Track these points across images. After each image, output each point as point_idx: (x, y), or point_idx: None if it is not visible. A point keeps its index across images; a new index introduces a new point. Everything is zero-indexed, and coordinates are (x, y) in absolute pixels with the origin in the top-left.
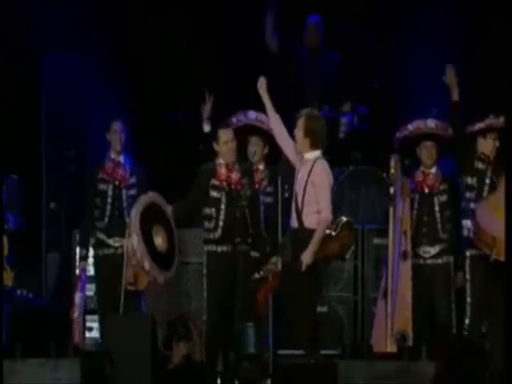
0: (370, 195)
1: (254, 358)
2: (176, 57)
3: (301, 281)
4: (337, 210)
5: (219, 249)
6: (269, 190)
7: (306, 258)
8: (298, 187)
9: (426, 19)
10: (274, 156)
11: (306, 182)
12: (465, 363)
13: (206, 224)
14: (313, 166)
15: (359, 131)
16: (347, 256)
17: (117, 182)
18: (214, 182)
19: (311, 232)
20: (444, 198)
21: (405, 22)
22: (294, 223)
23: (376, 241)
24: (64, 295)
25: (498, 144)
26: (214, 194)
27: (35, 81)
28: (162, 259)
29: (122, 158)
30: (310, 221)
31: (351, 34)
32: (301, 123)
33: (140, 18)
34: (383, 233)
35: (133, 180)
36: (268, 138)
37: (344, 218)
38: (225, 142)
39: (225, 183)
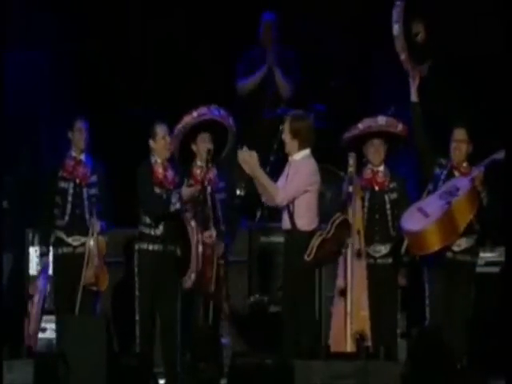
0: (328, 194)
1: (210, 359)
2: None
3: (302, 283)
4: None
5: (155, 247)
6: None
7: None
8: (288, 184)
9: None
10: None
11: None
12: (426, 362)
13: (146, 221)
14: (299, 167)
15: (317, 129)
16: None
17: (78, 181)
18: (155, 181)
19: (305, 234)
20: (394, 195)
21: (366, 19)
22: (287, 225)
23: None
24: (16, 296)
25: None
26: (157, 191)
27: None
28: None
29: (83, 157)
30: (302, 222)
31: (311, 30)
32: (287, 126)
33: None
34: None
35: (94, 178)
36: (222, 134)
37: (339, 216)
38: (162, 137)
39: (164, 182)
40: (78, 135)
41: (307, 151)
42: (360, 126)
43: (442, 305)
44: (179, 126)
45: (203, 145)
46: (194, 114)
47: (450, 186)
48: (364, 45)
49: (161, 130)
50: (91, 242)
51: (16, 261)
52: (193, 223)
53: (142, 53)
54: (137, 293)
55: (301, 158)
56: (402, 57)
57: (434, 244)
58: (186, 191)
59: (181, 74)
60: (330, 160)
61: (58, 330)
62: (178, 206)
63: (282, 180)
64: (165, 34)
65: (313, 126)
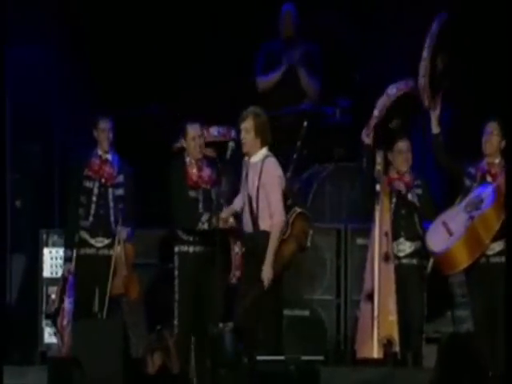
0: (354, 193)
1: (231, 365)
2: (145, 47)
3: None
4: (318, 209)
5: (191, 249)
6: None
7: (267, 274)
8: (250, 191)
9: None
10: None
11: (258, 186)
12: (457, 369)
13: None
14: (262, 167)
15: (341, 125)
16: (308, 245)
17: (103, 180)
18: (189, 182)
19: (268, 235)
20: (419, 191)
21: (388, 11)
22: (249, 227)
23: (360, 241)
24: (29, 299)
25: None
26: (192, 194)
27: None
28: None
29: (109, 156)
30: (266, 224)
31: (332, 24)
32: (250, 123)
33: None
34: (367, 232)
35: (120, 179)
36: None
37: (294, 211)
38: (192, 137)
39: (200, 182)
40: (102, 135)
41: (265, 150)
42: (376, 112)
43: (481, 310)
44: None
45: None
46: (212, 131)
47: (475, 197)
48: (386, 35)
49: (191, 130)
50: (118, 250)
51: (29, 262)
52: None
53: (158, 47)
54: (176, 297)
55: (261, 160)
56: (424, 93)
57: (462, 262)
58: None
59: (201, 69)
60: (354, 158)
61: (73, 334)
62: (205, 226)
63: (242, 184)
64: (183, 28)
65: (269, 123)
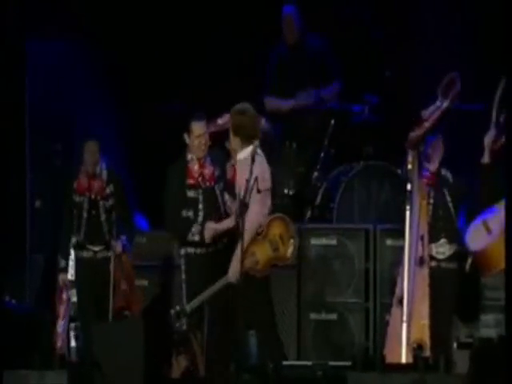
0: (383, 193)
1: (256, 370)
2: (167, 43)
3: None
4: (347, 209)
5: (198, 251)
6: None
7: (233, 268)
8: (238, 189)
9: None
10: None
11: (247, 184)
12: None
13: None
14: (252, 166)
15: (370, 123)
16: (289, 255)
17: (93, 196)
18: (189, 181)
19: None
20: (455, 189)
21: (418, 6)
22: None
23: (389, 242)
24: (49, 301)
25: None
26: (190, 194)
27: (18, 69)
28: None
29: (97, 169)
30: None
31: (361, 20)
32: (230, 122)
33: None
34: (397, 233)
35: (110, 189)
36: None
37: (273, 215)
38: (197, 135)
39: (200, 180)
40: (88, 156)
41: (250, 149)
42: (426, 124)
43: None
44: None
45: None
46: (219, 121)
47: None
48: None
49: (196, 127)
50: (115, 267)
51: (48, 263)
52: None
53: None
54: (185, 300)
55: (244, 159)
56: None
57: (499, 262)
58: (209, 229)
59: (174, 60)
60: (384, 157)
61: (85, 338)
62: (196, 238)
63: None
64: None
65: (256, 119)
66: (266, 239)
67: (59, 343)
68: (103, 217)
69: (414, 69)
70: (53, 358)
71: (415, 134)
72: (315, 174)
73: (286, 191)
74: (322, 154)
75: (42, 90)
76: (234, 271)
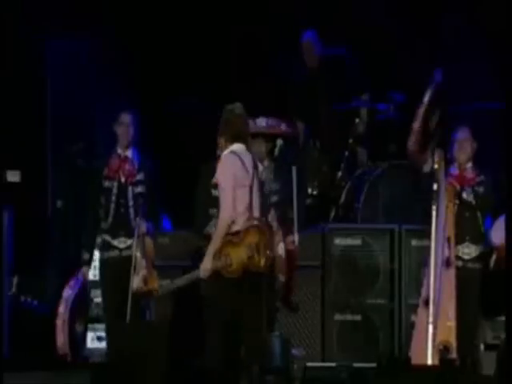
0: (408, 193)
1: (279, 371)
2: (185, 39)
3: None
4: (371, 209)
5: None
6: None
7: (204, 265)
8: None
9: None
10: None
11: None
12: None
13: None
14: (218, 170)
15: (395, 121)
16: (262, 265)
17: (123, 179)
18: (214, 180)
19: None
20: (481, 189)
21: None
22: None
23: (415, 243)
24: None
25: None
26: (215, 193)
27: (39, 69)
28: None
29: (129, 153)
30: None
31: (387, 14)
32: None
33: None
34: (423, 234)
35: (140, 176)
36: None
37: (254, 222)
38: None
39: None
40: (121, 129)
41: (233, 147)
42: (416, 124)
43: None
44: None
45: (257, 148)
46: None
47: None
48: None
49: None
50: (137, 245)
51: (69, 263)
52: (275, 225)
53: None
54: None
55: (223, 156)
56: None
57: None
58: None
59: (189, 56)
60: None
61: (110, 338)
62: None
63: None
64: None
65: (244, 118)
66: (242, 244)
67: (59, 343)
68: (131, 203)
69: (439, 65)
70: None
71: (411, 141)
72: (339, 173)
73: (310, 191)
74: (347, 154)
75: (64, 90)
76: (203, 267)
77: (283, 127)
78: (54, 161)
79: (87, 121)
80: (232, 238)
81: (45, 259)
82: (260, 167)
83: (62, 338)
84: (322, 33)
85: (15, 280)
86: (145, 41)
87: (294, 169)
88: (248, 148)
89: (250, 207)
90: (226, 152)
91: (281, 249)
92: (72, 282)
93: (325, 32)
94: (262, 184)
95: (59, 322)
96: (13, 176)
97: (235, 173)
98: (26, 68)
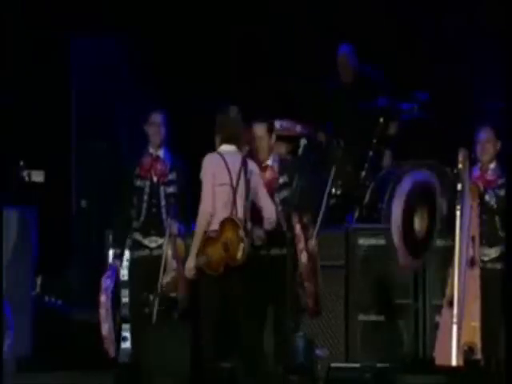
0: None
1: (303, 372)
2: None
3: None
4: None
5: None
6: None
7: (187, 264)
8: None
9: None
10: None
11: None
12: None
13: None
14: (211, 163)
15: (420, 121)
16: (238, 257)
17: (155, 179)
18: None
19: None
20: (502, 192)
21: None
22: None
23: (439, 242)
24: (94, 302)
25: None
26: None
27: (64, 68)
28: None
29: (161, 153)
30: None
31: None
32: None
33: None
34: (447, 234)
35: (172, 176)
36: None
37: (228, 218)
38: (260, 137)
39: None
40: (152, 129)
41: (221, 147)
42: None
43: None
44: None
45: (277, 150)
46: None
47: None
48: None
49: (259, 129)
50: (167, 246)
51: (93, 263)
52: (298, 228)
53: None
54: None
55: (206, 156)
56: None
57: None
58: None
59: (217, 56)
60: (434, 155)
61: (135, 339)
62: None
63: None
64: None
65: (237, 120)
66: (219, 241)
67: (104, 331)
68: (163, 202)
69: (466, 66)
70: (100, 359)
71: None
72: (363, 173)
73: (333, 191)
74: (371, 153)
75: (88, 89)
76: (187, 266)
77: (298, 128)
78: (78, 160)
79: (111, 120)
80: (210, 233)
81: (69, 259)
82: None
83: (106, 327)
84: (321, 33)
85: (39, 280)
86: (171, 40)
87: (333, 168)
88: (239, 148)
89: (232, 206)
90: (210, 152)
91: (304, 257)
92: (109, 272)
93: (326, 32)
94: (248, 184)
95: (102, 311)
96: (37, 176)
97: (214, 172)
98: (50, 67)
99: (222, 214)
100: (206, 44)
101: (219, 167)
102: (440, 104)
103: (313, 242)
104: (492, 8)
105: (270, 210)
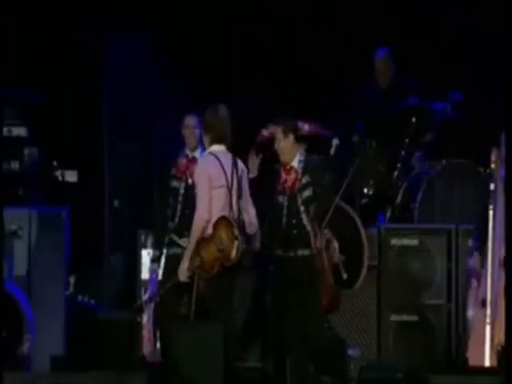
0: (466, 192)
1: (336, 372)
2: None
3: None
4: (428, 209)
5: (284, 254)
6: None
7: (181, 268)
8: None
9: None
10: None
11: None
12: None
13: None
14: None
15: (453, 120)
16: (233, 256)
17: (189, 180)
18: (278, 187)
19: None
20: None
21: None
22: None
23: (472, 243)
24: (128, 302)
25: None
26: (280, 200)
27: (96, 69)
28: None
29: (197, 154)
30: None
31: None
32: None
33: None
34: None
35: None
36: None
37: (221, 217)
38: (278, 139)
39: (286, 187)
40: (188, 132)
41: (213, 147)
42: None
43: None
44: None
45: None
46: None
47: None
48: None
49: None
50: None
51: (127, 263)
52: (326, 231)
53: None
54: (271, 302)
55: (200, 157)
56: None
57: None
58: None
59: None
60: (467, 155)
61: (167, 338)
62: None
63: None
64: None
65: (227, 119)
66: (212, 241)
67: (144, 345)
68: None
69: (499, 65)
70: (132, 359)
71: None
72: (396, 172)
73: (365, 190)
74: (403, 153)
75: (120, 90)
76: (180, 269)
77: (306, 127)
78: (110, 160)
79: (144, 121)
80: (205, 235)
81: (101, 259)
82: None
83: (149, 349)
84: (324, 34)
85: (72, 280)
86: (202, 41)
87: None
88: (228, 148)
89: (229, 207)
90: (204, 153)
91: (336, 257)
92: (149, 286)
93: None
94: (241, 183)
95: (145, 333)
96: (70, 176)
97: (210, 174)
98: (82, 68)
99: (219, 215)
100: (206, 44)
101: (215, 169)
102: (473, 104)
103: (318, 240)
104: None
105: (253, 213)
